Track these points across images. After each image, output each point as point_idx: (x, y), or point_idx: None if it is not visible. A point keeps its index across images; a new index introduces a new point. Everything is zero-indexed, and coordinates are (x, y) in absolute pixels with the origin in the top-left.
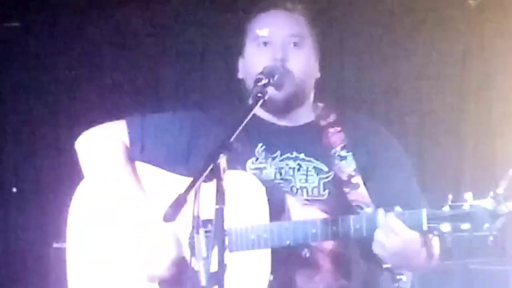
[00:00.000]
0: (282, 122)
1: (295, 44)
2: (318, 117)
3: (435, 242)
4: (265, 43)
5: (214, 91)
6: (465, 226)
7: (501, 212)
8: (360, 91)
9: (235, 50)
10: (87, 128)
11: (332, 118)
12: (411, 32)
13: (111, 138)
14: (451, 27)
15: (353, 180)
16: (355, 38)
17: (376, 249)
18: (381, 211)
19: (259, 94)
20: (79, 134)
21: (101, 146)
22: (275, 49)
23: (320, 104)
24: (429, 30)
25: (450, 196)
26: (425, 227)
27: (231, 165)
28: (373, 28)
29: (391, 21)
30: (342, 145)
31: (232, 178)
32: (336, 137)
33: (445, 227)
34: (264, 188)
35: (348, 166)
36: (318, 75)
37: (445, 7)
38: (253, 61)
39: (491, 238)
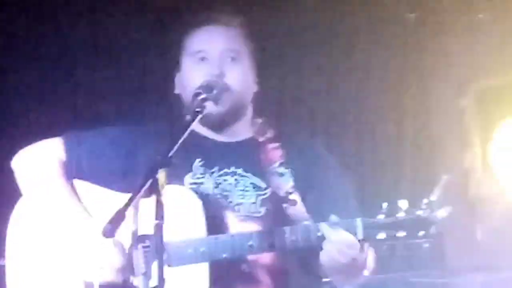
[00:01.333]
0: (221, 138)
1: (232, 59)
2: (256, 133)
3: (371, 252)
4: (202, 58)
5: (152, 107)
6: (400, 234)
7: (435, 219)
8: (299, 105)
9: (172, 65)
10: (24, 146)
11: (270, 134)
12: (349, 45)
13: (48, 156)
14: (389, 41)
15: (291, 197)
16: (294, 52)
17: (323, 259)
18: (318, 225)
19: (198, 109)
20: (16, 151)
21: (37, 164)
22: (212, 64)
23: (259, 120)
24: (367, 43)
25: (385, 205)
26: (360, 236)
27: (169, 180)
28: (312, 41)
29: (330, 35)
30: (280, 161)
31: (169, 193)
32: (274, 153)
33: (381, 235)
34: (201, 203)
35: (286, 183)
36: (255, 88)
37: (384, 21)
38: (190, 76)
39: (426, 245)
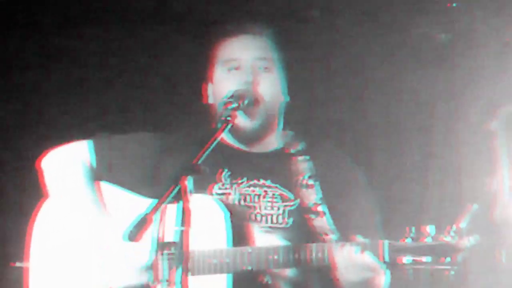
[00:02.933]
0: (250, 148)
1: (265, 68)
2: (286, 145)
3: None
4: (235, 68)
5: (182, 116)
6: (427, 259)
7: (463, 246)
8: (329, 119)
9: (202, 75)
10: (51, 147)
11: (300, 146)
12: (380, 63)
13: (77, 158)
14: (420, 60)
15: (318, 209)
16: (324, 64)
17: (340, 277)
18: (347, 244)
19: (228, 118)
20: (42, 152)
21: (67, 166)
22: (245, 73)
23: (290, 132)
24: (398, 62)
25: (413, 229)
26: (386, 258)
27: (195, 188)
28: (342, 55)
29: (360, 51)
30: (309, 174)
31: (195, 202)
32: (303, 165)
33: (407, 259)
34: (223, 213)
35: (314, 195)
36: (287, 99)
37: (415, 40)
38: (223, 86)
39: (452, 272)
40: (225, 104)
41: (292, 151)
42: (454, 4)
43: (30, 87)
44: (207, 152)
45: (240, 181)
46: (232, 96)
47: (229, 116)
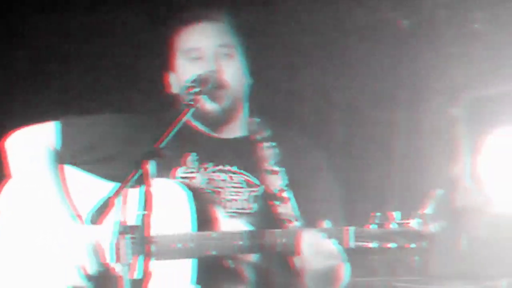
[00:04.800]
0: (217, 134)
1: (227, 55)
2: (252, 131)
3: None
4: (197, 57)
5: (150, 100)
6: (392, 245)
7: (428, 232)
8: (291, 104)
9: (163, 64)
10: (16, 128)
11: (267, 133)
12: (343, 48)
13: (41, 139)
14: (382, 46)
15: (283, 195)
16: (285, 48)
17: (299, 263)
18: (313, 231)
19: (191, 102)
20: (7, 132)
21: (30, 147)
22: (208, 62)
23: (256, 119)
24: (360, 48)
25: (378, 215)
26: (352, 245)
27: (160, 172)
28: (304, 40)
29: (323, 36)
30: (275, 160)
31: (159, 186)
32: (269, 151)
33: (372, 245)
34: (189, 197)
35: (279, 181)
36: (251, 81)
37: (378, 26)
38: (186, 75)
39: (416, 257)
40: (188, 88)
41: (258, 137)
42: None
43: None
44: (169, 136)
45: (206, 166)
46: (194, 81)
47: (191, 100)
